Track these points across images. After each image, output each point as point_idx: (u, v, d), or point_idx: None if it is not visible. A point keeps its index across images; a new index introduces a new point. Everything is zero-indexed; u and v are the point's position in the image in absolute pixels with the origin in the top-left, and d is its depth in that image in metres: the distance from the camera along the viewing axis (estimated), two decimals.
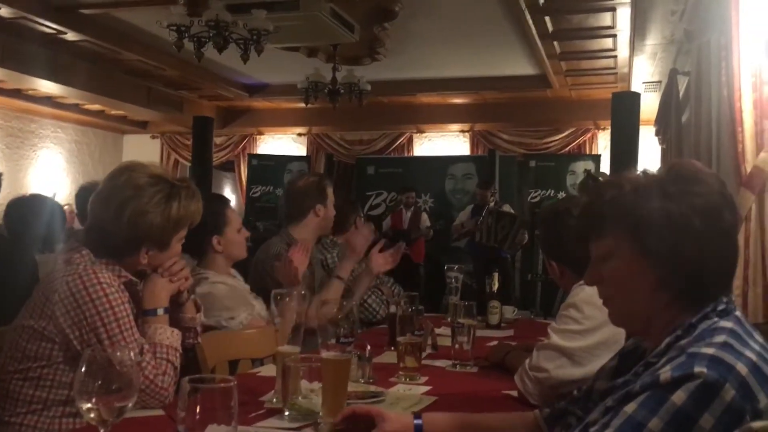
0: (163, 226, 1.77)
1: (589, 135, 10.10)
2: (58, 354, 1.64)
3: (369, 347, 1.99)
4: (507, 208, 7.76)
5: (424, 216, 8.59)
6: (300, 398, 1.58)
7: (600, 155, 9.42)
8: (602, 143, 9.81)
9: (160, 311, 1.78)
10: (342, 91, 7.42)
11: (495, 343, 2.58)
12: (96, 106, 10.22)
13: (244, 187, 10.86)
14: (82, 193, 3.68)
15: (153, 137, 11.92)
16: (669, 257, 1.10)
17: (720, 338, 1.04)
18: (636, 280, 1.13)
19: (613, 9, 6.05)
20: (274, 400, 1.67)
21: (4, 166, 9.31)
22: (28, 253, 3.02)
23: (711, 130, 3.55)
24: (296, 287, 2.08)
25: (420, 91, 9.69)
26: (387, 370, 2.08)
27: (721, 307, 1.10)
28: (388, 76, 8.54)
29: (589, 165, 8.85)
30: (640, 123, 6.80)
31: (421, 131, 10.93)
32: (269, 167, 10.40)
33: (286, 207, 3.16)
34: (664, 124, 6.23)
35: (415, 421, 1.36)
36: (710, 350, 1.01)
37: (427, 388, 1.95)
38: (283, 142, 11.57)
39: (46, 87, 8.55)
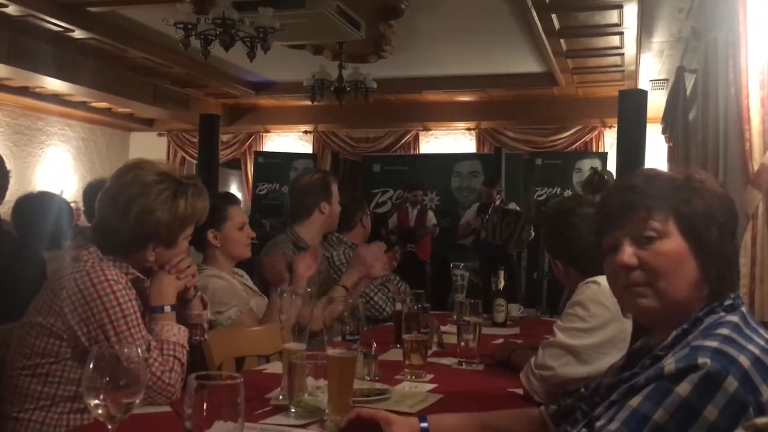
0: (170, 224, 1.78)
1: (595, 133, 10.08)
2: (66, 350, 1.65)
3: (375, 345, 1.99)
4: (513, 206, 7.74)
5: (430, 214, 8.58)
6: (306, 395, 1.59)
7: (606, 153, 9.40)
8: (609, 141, 9.78)
9: (167, 308, 1.79)
10: (348, 88, 7.42)
11: (501, 341, 2.58)
12: (103, 104, 10.26)
13: (251, 185, 10.88)
14: (89, 191, 3.68)
15: (160, 135, 11.95)
16: (713, 250, 1.12)
17: (724, 331, 1.05)
18: (684, 267, 1.12)
19: (620, 6, 6.03)
20: (281, 397, 1.68)
21: (11, 164, 9.23)
22: (36, 250, 3.03)
23: (718, 128, 3.54)
24: (283, 286, 2.08)
25: (426, 89, 9.69)
26: (393, 367, 2.08)
27: (728, 302, 1.12)
28: (394, 73, 8.54)
29: (596, 163, 8.83)
30: (647, 121, 6.78)
31: (428, 129, 10.92)
32: (275, 165, 10.41)
33: (291, 205, 3.16)
34: (671, 121, 6.22)
35: (421, 425, 1.34)
36: (714, 343, 1.02)
37: (432, 385, 1.95)
38: (289, 140, 11.58)
39: (53, 85, 8.59)
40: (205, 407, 0.98)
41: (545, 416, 1.37)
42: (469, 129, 10.75)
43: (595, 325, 1.81)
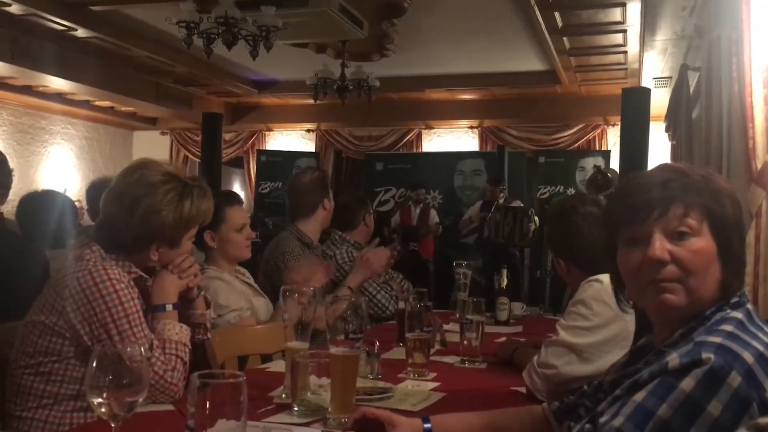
0: (175, 225, 1.78)
1: (598, 131, 10.06)
2: (68, 349, 1.66)
3: (378, 343, 1.99)
4: (517, 203, 7.74)
5: (433, 212, 8.58)
6: (309, 394, 1.59)
7: (610, 151, 9.38)
8: (612, 139, 9.77)
9: (169, 307, 1.80)
10: (351, 87, 7.42)
11: (503, 339, 2.58)
12: (106, 103, 10.27)
13: (253, 184, 10.89)
14: (93, 190, 3.69)
15: (162, 133, 11.97)
16: (735, 253, 1.13)
17: (728, 327, 1.05)
18: (712, 267, 1.12)
19: (623, 4, 6.02)
20: (283, 395, 1.68)
21: (14, 163, 9.29)
22: (39, 248, 3.03)
23: (722, 126, 3.54)
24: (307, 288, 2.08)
25: (429, 87, 9.68)
26: (395, 366, 2.08)
27: (734, 300, 1.12)
28: (396, 72, 8.54)
29: (599, 161, 8.81)
30: (650, 119, 6.75)
31: (430, 127, 10.92)
32: (278, 163, 10.41)
33: (293, 204, 3.17)
34: (674, 120, 6.21)
35: (425, 425, 1.34)
36: (717, 339, 1.02)
37: (435, 384, 1.95)
38: (291, 139, 11.58)
39: (57, 83, 8.60)
40: (207, 406, 0.98)
41: (548, 413, 1.37)
42: (471, 127, 10.74)
43: (598, 323, 1.81)
